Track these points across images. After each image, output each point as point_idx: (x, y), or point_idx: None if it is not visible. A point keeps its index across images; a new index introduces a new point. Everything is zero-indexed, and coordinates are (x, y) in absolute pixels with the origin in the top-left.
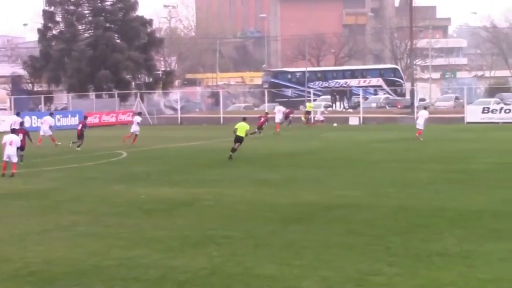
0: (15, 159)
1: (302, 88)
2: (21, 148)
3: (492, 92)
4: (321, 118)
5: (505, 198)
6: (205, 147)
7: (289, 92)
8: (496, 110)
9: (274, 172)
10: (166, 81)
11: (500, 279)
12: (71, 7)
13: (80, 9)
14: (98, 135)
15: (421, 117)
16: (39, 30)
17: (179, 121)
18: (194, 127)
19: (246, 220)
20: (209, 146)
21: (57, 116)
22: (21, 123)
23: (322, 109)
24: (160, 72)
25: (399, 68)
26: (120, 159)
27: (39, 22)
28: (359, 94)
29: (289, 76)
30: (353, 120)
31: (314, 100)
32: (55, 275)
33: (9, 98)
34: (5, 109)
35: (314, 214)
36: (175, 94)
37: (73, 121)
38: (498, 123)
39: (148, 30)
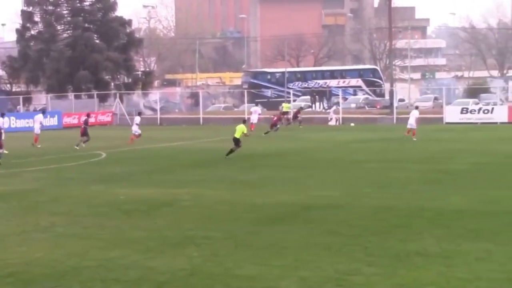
0: None
1: (281, 89)
2: None
3: (470, 92)
4: (333, 117)
5: (483, 198)
6: (185, 147)
7: (268, 93)
8: (475, 111)
9: (254, 173)
10: (145, 82)
11: (479, 279)
12: (50, 7)
13: (58, 9)
14: (77, 136)
15: (412, 116)
16: (17, 30)
17: (158, 121)
18: (174, 128)
19: (225, 220)
20: (189, 146)
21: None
22: None
23: (334, 107)
24: (139, 72)
25: (378, 68)
26: (100, 159)
27: (17, 22)
28: (338, 95)
29: (269, 76)
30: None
31: (294, 101)
32: (35, 276)
33: None
34: None
35: (293, 214)
36: (155, 95)
37: (52, 121)
38: (476, 123)
39: (128, 30)
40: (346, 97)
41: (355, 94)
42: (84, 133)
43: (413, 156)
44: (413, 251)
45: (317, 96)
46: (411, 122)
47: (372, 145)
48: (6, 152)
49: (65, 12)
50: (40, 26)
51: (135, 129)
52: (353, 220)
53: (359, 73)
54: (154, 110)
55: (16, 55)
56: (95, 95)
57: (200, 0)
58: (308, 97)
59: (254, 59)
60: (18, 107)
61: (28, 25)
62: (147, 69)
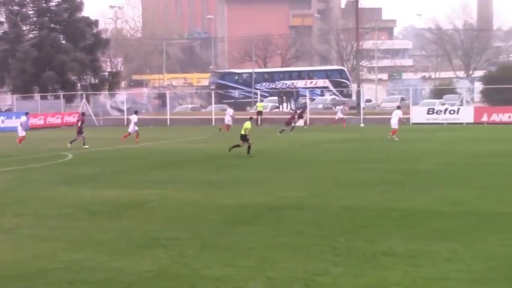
0: None
1: (249, 89)
2: None
3: (437, 93)
4: (342, 116)
5: (449, 198)
6: (152, 148)
7: (236, 93)
8: (441, 111)
9: (221, 174)
10: (112, 82)
11: (445, 278)
12: (15, 8)
13: (24, 10)
14: (44, 137)
15: (395, 116)
16: None
17: (125, 122)
18: (141, 129)
19: (192, 221)
20: (155, 147)
21: (1, 118)
22: None
23: (341, 107)
24: (106, 73)
25: (345, 69)
26: (66, 160)
27: None
28: (306, 95)
29: (236, 77)
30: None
31: (261, 101)
32: None
33: None
34: None
35: (260, 215)
36: (122, 96)
37: (18, 122)
38: (443, 123)
39: (94, 31)
40: (314, 97)
41: (322, 95)
42: (80, 131)
43: (380, 156)
44: (380, 251)
45: (284, 97)
46: (394, 122)
47: (340, 145)
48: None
49: (31, 12)
50: (6, 26)
51: (132, 127)
52: (320, 220)
53: (326, 74)
54: (121, 111)
55: None
56: (61, 96)
57: (167, 0)
58: (276, 97)
59: (221, 59)
60: None
61: None
62: (114, 70)
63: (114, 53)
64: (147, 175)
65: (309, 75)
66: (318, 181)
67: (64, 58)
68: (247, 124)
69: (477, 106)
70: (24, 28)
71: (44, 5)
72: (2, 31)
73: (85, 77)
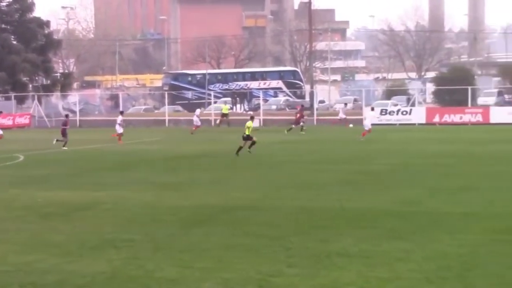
0: None
1: (202, 90)
2: None
3: (389, 94)
4: (343, 116)
5: (403, 198)
6: (105, 150)
7: (189, 94)
8: (394, 112)
9: (175, 175)
10: (64, 84)
11: (398, 278)
12: None
13: None
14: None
15: (368, 118)
16: None
17: (78, 124)
18: (94, 130)
19: (146, 223)
20: (109, 149)
21: None
22: None
23: (343, 106)
24: (58, 74)
25: (298, 70)
26: (17, 162)
27: None
28: (259, 96)
29: (190, 78)
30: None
31: (215, 102)
32: None
33: None
34: None
35: (214, 216)
36: (74, 97)
37: None
38: (395, 124)
39: (46, 31)
40: (267, 98)
41: (275, 96)
42: (64, 134)
43: (333, 157)
44: (334, 252)
45: (238, 98)
46: (367, 124)
47: (293, 146)
48: None
49: None
50: None
51: (118, 128)
52: (274, 221)
53: (279, 75)
54: (73, 112)
55: None
56: (12, 97)
57: (119, 1)
58: (229, 98)
59: (174, 60)
60: None
61: None
62: (66, 71)
63: (66, 54)
64: (101, 177)
65: (263, 76)
66: (273, 182)
67: (15, 58)
68: (249, 124)
69: (429, 107)
70: None
71: None
72: None
73: (36, 78)
